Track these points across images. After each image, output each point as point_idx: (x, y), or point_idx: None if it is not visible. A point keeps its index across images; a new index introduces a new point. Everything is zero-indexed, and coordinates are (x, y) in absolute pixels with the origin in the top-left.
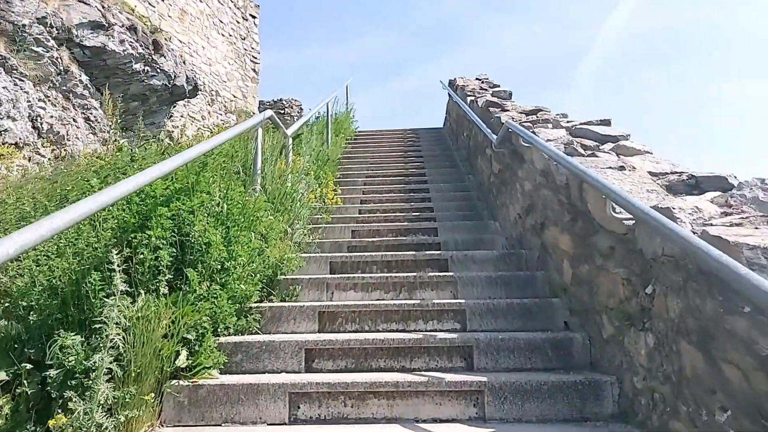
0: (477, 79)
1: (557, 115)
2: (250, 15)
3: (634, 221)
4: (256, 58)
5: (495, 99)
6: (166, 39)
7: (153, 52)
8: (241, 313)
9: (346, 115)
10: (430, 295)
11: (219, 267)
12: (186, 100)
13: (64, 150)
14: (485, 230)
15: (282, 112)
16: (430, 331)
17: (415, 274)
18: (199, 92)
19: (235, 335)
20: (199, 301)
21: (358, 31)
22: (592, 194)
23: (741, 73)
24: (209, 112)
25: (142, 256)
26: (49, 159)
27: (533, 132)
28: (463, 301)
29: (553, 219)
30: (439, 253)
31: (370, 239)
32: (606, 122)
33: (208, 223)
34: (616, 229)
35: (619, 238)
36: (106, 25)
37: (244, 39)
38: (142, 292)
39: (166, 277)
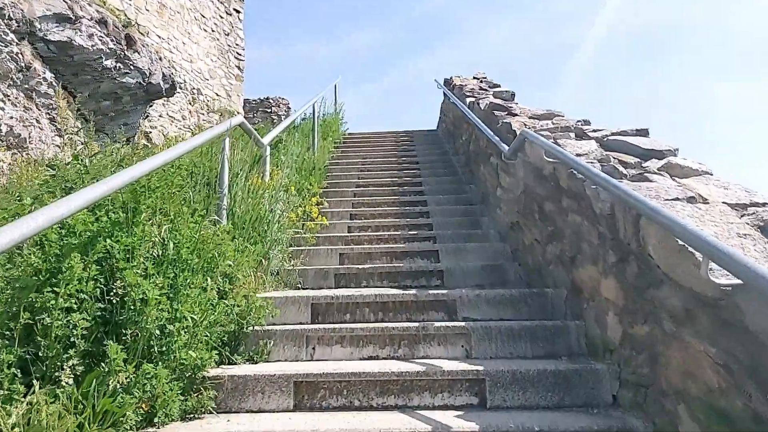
0: (475, 78)
1: (578, 121)
2: (234, 10)
3: (730, 286)
4: (240, 54)
5: (498, 101)
6: (142, 34)
7: (125, 48)
8: (190, 388)
9: (334, 117)
10: (437, 351)
11: (158, 332)
12: (165, 99)
13: (26, 154)
14: (495, 255)
15: (269, 111)
16: (440, 408)
17: (417, 324)
18: (179, 91)
19: (181, 420)
20: (123, 392)
21: (348, 26)
22: (653, 233)
23: (734, 74)
24: (190, 112)
25: (46, 323)
26: (9, 164)
27: (555, 142)
28: (480, 367)
29: (590, 255)
30: (445, 294)
31: (360, 265)
32: (643, 132)
33: (146, 269)
34: (701, 290)
35: (705, 302)
36: (73, 17)
37: (227, 35)
38: (36, 383)
39: (81, 350)
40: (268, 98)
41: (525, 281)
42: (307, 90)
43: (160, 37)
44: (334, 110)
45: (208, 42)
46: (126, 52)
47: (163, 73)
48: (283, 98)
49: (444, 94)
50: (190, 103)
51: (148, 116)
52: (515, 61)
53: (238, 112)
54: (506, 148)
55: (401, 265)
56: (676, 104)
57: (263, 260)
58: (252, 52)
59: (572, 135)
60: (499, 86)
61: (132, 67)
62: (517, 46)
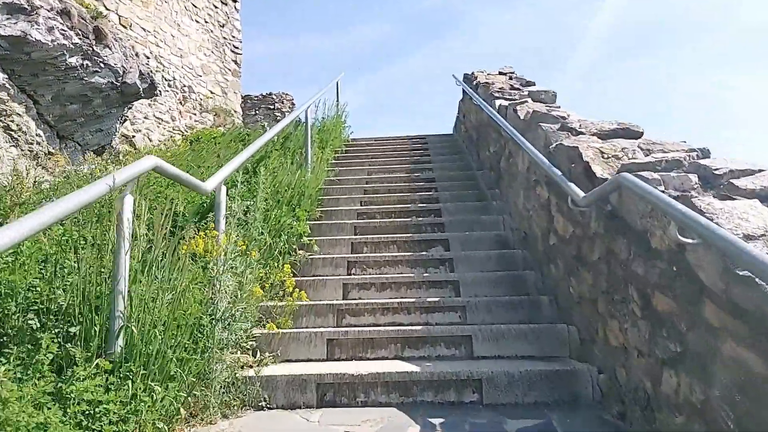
0: (501, 73)
1: (693, 152)
2: None
3: None
4: (237, 48)
5: (540, 106)
6: (124, 26)
7: (94, 43)
8: None
9: (336, 120)
10: None
11: None
12: (150, 99)
13: None
14: (553, 344)
15: (272, 108)
16: None
17: None
18: (162, 90)
19: None
20: None
21: (356, 19)
22: None
23: (743, 65)
24: (180, 112)
25: None
26: None
27: (691, 205)
28: None
29: None
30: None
31: (357, 365)
32: None
33: None
34: None
35: None
36: (29, 8)
37: (222, 26)
38: None
39: None
40: (270, 94)
41: (623, 408)
42: (316, 82)
43: (144, 29)
44: (336, 112)
45: (200, 34)
46: (94, 47)
47: (140, 71)
48: (286, 94)
49: (463, 91)
50: (180, 103)
51: (126, 120)
52: (520, 52)
53: (235, 111)
54: (575, 190)
55: (417, 370)
56: (686, 96)
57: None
58: (256, 45)
59: (696, 184)
60: (532, 84)
61: (102, 65)
62: (521, 38)
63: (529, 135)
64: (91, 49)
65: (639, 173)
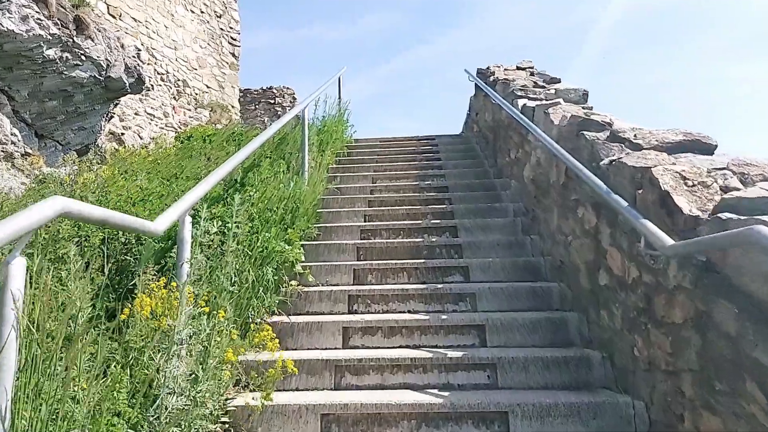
0: (519, 68)
1: None
2: None
3: None
4: (235, 39)
5: (578, 110)
6: (113, 16)
7: (75, 34)
8: None
9: (338, 119)
10: None
11: None
12: (143, 94)
13: None
14: (622, 427)
15: (272, 102)
16: None
17: None
18: (154, 84)
19: None
20: None
21: (363, 8)
22: None
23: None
24: (174, 108)
25: None
26: None
27: None
28: None
29: None
30: None
31: None
32: None
33: None
34: None
35: None
36: None
37: (219, 17)
38: None
39: None
40: (271, 88)
41: None
42: (321, 74)
43: (135, 20)
44: (338, 110)
45: (195, 25)
46: (75, 38)
47: (126, 65)
48: (288, 88)
49: (476, 87)
50: (174, 98)
51: (113, 117)
52: (530, 43)
53: (232, 106)
54: (656, 234)
55: None
56: (695, 86)
57: None
58: (259, 36)
59: None
60: (557, 80)
61: (84, 58)
62: (530, 28)
63: (567, 144)
64: (71, 40)
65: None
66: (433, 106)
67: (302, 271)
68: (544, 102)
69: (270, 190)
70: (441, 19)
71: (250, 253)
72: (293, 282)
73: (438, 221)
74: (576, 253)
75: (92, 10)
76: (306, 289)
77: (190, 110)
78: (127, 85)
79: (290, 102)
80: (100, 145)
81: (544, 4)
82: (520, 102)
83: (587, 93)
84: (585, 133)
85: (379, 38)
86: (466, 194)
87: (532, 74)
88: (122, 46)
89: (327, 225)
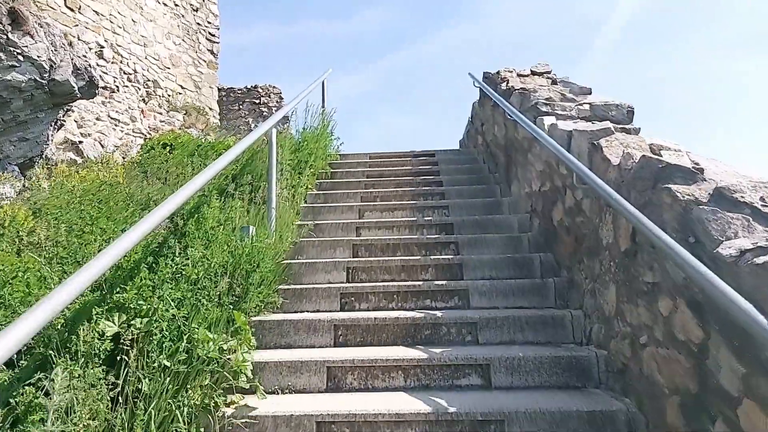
0: (534, 72)
1: None
2: None
3: None
4: (213, 35)
5: (648, 147)
6: (72, 9)
7: (10, 29)
8: None
9: (320, 132)
10: None
11: None
12: (107, 95)
13: None
14: None
15: (257, 102)
16: None
17: None
18: (120, 86)
19: None
20: None
21: (359, 4)
22: None
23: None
24: (143, 112)
25: None
26: None
27: None
28: None
29: None
30: None
31: None
32: None
33: None
34: None
35: None
36: None
37: (196, 11)
38: None
39: None
40: (256, 87)
41: None
42: (314, 70)
43: (98, 13)
44: (321, 121)
45: (168, 20)
46: (10, 35)
47: (75, 66)
48: (274, 87)
49: (481, 93)
50: (143, 100)
51: (63, 125)
52: (537, 38)
53: (210, 108)
54: None
55: None
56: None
57: None
58: (252, 32)
59: None
60: (588, 91)
61: (21, 58)
62: (538, 23)
63: (632, 194)
64: (5, 37)
65: None
66: (430, 104)
67: (250, 381)
68: (581, 123)
69: (215, 248)
70: (439, 15)
71: (167, 364)
72: (237, 397)
73: (443, 282)
74: (656, 367)
75: (33, 2)
76: (253, 414)
77: (161, 114)
78: (77, 89)
79: (276, 102)
80: (50, 157)
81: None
82: (547, 120)
83: (632, 110)
84: (670, 187)
85: (375, 35)
86: (477, 236)
87: (554, 82)
88: (70, 44)
89: (296, 286)
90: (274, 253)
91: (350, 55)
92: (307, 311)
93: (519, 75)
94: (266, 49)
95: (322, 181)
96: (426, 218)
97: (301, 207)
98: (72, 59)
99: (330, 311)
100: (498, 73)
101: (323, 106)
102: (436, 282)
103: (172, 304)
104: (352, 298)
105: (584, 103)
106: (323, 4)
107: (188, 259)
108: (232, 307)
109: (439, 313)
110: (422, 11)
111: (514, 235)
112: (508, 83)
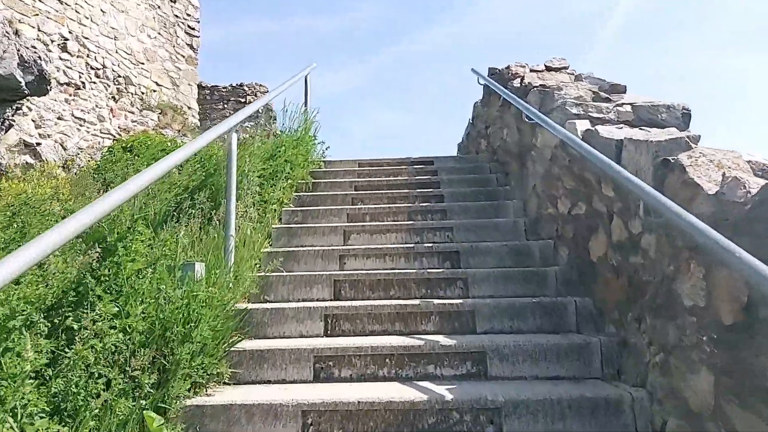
0: (549, 68)
1: None
2: None
3: None
4: (193, 29)
5: (748, 166)
6: None
7: None
8: None
9: (301, 135)
10: None
11: None
12: (72, 92)
13: None
14: None
15: (243, 101)
16: None
17: None
18: (86, 82)
19: None
20: None
21: None
22: None
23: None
24: (113, 110)
25: None
26: None
27: None
28: None
29: None
30: None
31: None
32: None
33: None
34: None
35: None
36: None
37: (174, 2)
38: None
39: None
40: (242, 85)
41: None
42: (301, 66)
43: (61, 2)
44: (304, 121)
45: (143, 11)
46: None
47: (21, 57)
48: (261, 85)
49: (486, 91)
50: (112, 98)
51: (12, 126)
52: (538, 31)
53: (189, 107)
54: None
55: None
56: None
57: None
58: (241, 25)
59: None
60: (622, 88)
61: None
62: (539, 16)
63: (761, 246)
64: None
65: None
66: (424, 98)
67: None
68: (631, 130)
69: (133, 304)
70: (432, 10)
71: None
72: None
73: (451, 342)
74: None
75: None
76: None
77: (133, 113)
78: (23, 84)
79: None
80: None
81: None
82: (581, 125)
83: (689, 113)
84: None
85: (366, 30)
86: (490, 271)
87: (577, 78)
88: (15, 32)
89: (256, 346)
90: (228, 298)
91: (341, 50)
92: (270, 382)
93: (533, 70)
94: (254, 45)
95: (301, 194)
96: (426, 244)
97: (274, 228)
98: (18, 50)
99: (300, 382)
100: (508, 68)
101: (306, 106)
102: (442, 340)
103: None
104: (331, 363)
105: (623, 103)
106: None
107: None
108: (153, 391)
109: (446, 390)
110: (414, 5)
111: (537, 269)
112: (523, 80)
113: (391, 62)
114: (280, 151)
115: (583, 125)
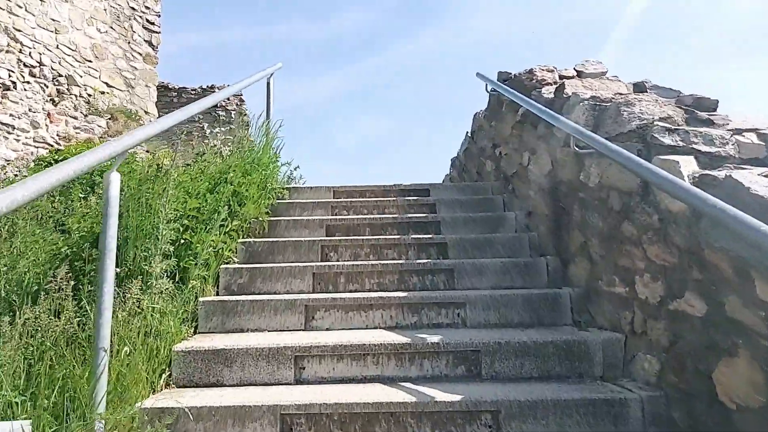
0: (580, 73)
1: None
2: None
3: None
4: (153, 24)
5: None
6: None
7: None
8: None
9: (258, 157)
10: None
11: None
12: None
13: None
14: None
15: (214, 106)
16: None
17: None
18: (17, 81)
19: None
20: None
21: (338, 5)
22: None
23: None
24: (50, 115)
25: None
26: None
27: None
28: None
29: None
30: None
31: None
32: None
33: None
34: None
35: None
36: None
37: None
38: None
39: None
40: (212, 87)
41: None
42: (285, 72)
43: None
44: (265, 135)
45: (91, 1)
46: None
47: None
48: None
49: (493, 100)
50: (51, 100)
51: None
52: (543, 37)
53: (146, 112)
54: None
55: None
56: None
57: None
58: (233, 33)
59: None
60: (714, 105)
61: None
62: (544, 23)
63: None
64: None
65: None
66: (410, 105)
67: None
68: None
69: None
70: (420, 17)
71: None
72: None
73: None
74: None
75: None
76: None
77: (77, 118)
78: None
79: (236, 105)
80: None
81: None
82: (686, 166)
83: None
84: None
85: (354, 36)
86: (529, 388)
87: (637, 88)
88: None
89: None
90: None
91: (325, 57)
92: None
93: (563, 77)
94: (238, 52)
95: (253, 240)
96: (428, 331)
97: (203, 302)
98: None
99: None
100: (531, 72)
101: (268, 116)
102: None
103: None
104: None
105: (740, 129)
106: (301, 6)
107: None
108: None
109: None
110: (403, 13)
111: (605, 395)
112: (560, 89)
113: (377, 69)
114: (220, 184)
115: (688, 165)
